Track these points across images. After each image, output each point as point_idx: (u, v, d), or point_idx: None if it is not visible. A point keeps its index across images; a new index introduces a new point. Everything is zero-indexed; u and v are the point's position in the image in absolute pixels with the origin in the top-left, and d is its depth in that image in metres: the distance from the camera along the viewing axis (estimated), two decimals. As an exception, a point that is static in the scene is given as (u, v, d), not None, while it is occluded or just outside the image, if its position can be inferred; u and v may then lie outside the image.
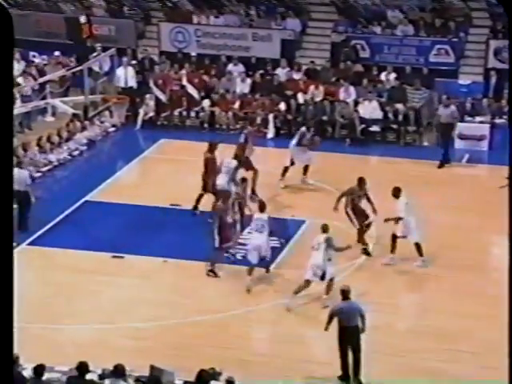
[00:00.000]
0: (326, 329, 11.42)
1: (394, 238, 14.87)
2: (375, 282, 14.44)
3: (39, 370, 10.10)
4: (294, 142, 18.28)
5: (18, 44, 22.23)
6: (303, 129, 18.58)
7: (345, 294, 11.44)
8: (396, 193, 14.98)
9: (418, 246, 14.84)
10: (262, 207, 14.50)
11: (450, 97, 21.03)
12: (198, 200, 16.71)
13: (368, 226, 15.38)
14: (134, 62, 23.75)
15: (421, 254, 14.87)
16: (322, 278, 13.38)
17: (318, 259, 13.36)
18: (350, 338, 11.27)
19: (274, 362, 12.12)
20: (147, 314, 13.34)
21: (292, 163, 18.16)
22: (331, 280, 13.46)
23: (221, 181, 16.29)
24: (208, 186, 16.59)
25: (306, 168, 18.30)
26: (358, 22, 24.68)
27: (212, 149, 16.90)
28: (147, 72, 23.60)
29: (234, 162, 16.60)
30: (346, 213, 15.32)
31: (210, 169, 16.66)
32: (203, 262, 14.90)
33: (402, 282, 14.60)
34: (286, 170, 18.13)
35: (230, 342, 12.63)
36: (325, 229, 13.75)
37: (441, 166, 19.94)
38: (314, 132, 18.52)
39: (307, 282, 13.40)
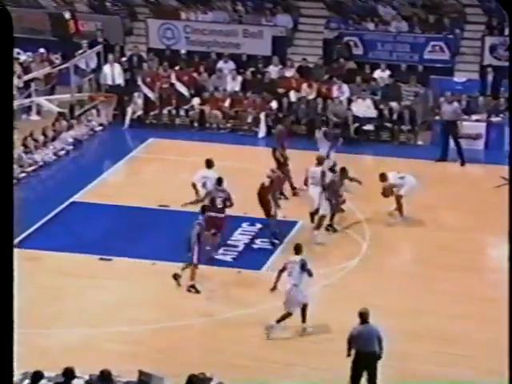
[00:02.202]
0: (349, 355, 11.06)
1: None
2: (370, 283, 14.43)
3: (37, 376, 10.01)
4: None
5: None
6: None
7: (363, 316, 11.11)
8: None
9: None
10: (297, 249, 13.11)
11: (454, 93, 21.15)
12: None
13: None
14: (122, 59, 23.68)
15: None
16: None
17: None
18: (366, 363, 11.07)
19: (266, 367, 12.09)
20: (135, 318, 13.29)
21: None
22: None
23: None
24: None
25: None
26: (350, 18, 24.68)
27: (320, 162, 16.58)
28: (135, 69, 23.56)
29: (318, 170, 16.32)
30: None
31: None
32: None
33: (397, 284, 14.58)
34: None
35: (220, 346, 12.59)
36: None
37: (440, 161, 20.12)
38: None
39: None
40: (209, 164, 16.06)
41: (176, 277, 14.20)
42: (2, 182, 6.22)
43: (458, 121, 20.60)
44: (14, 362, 6.36)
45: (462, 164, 20.24)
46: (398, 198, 16.63)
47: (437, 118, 21.31)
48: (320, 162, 16.42)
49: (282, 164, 17.44)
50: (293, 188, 17.74)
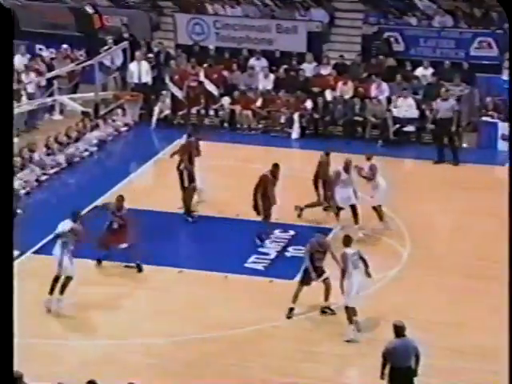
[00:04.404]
0: (382, 375, 10.96)
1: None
2: (409, 295, 14.38)
3: None
4: None
5: (22, 36, 22.50)
6: None
7: (399, 330, 11.01)
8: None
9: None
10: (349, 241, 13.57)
11: (449, 89, 21.20)
12: None
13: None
14: (149, 55, 23.82)
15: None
16: None
17: None
18: (402, 379, 10.95)
19: (300, 383, 12.10)
20: (161, 329, 13.37)
21: None
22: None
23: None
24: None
25: None
26: (389, 12, 24.60)
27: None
28: (163, 67, 23.69)
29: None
30: None
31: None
32: (221, 272, 14.93)
33: (437, 296, 14.51)
34: None
35: (251, 360, 12.62)
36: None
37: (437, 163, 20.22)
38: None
39: None
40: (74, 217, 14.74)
41: (325, 310, 13.86)
42: (2, 186, 6.21)
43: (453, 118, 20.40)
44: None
45: (455, 164, 20.15)
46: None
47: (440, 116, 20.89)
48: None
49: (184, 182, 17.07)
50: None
